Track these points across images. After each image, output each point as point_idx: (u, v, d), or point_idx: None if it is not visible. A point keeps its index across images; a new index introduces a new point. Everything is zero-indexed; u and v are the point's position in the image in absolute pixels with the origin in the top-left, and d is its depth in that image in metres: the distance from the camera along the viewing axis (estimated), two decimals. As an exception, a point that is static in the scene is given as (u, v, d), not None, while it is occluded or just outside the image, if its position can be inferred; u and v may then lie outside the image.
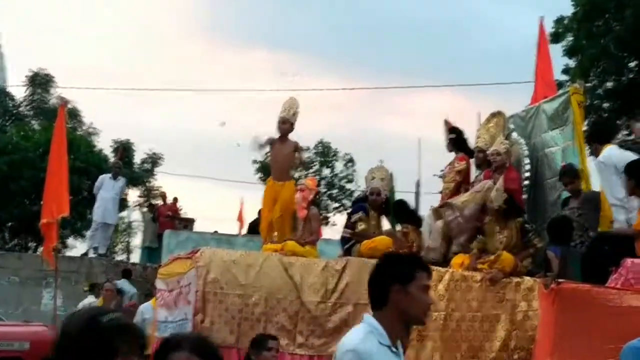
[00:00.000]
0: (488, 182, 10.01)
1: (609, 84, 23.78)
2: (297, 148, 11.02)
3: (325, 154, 39.25)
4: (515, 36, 72.86)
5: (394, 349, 4.08)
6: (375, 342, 4.02)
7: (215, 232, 23.74)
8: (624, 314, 6.44)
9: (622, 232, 8.16)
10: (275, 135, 10.96)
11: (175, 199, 24.62)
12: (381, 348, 4.03)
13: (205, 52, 70.16)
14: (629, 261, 7.45)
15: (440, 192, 11.45)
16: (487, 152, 10.53)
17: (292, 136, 10.98)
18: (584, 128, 10.59)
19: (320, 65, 71.73)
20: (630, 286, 7.16)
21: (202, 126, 67.55)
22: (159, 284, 10.12)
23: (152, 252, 22.50)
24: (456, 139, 11.19)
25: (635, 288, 6.99)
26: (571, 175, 9.64)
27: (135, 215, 38.52)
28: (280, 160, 11.01)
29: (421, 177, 28.07)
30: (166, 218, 23.06)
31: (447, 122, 11.48)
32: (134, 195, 34.74)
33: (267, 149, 11.31)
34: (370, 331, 4.08)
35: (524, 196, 10.42)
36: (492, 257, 9.39)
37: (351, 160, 39.33)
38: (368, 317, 4.19)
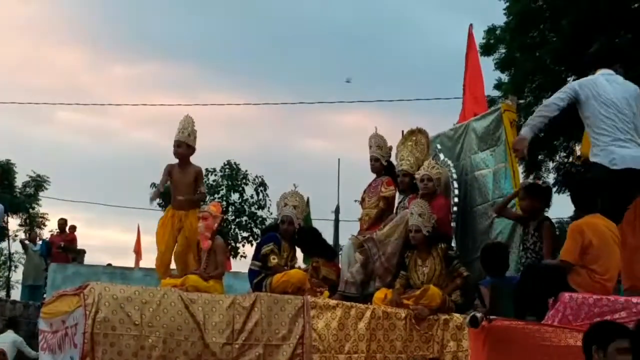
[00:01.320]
0: (408, 212, 10.05)
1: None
2: (197, 176, 11.00)
3: (234, 176, 39.02)
4: (443, 47, 73.94)
5: None
6: None
7: (109, 264, 23.44)
8: (561, 354, 6.50)
9: (551, 264, 8.27)
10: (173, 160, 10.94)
11: (73, 228, 24.01)
12: None
13: (91, 63, 69.22)
14: (566, 295, 7.53)
15: (360, 219, 11.38)
16: (415, 176, 10.54)
17: (195, 158, 10.94)
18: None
19: (226, 78, 71.67)
20: (568, 323, 7.24)
21: (93, 145, 66.62)
22: (42, 324, 9.89)
23: (35, 289, 21.95)
24: (378, 161, 11.17)
25: (574, 325, 7.07)
26: (531, 192, 9.53)
27: (15, 246, 37.76)
28: (180, 189, 10.94)
29: (340, 202, 28.02)
30: (58, 249, 22.50)
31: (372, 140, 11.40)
32: (14, 223, 34.12)
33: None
34: None
35: (453, 224, 10.47)
36: (417, 292, 9.44)
37: (263, 184, 39.16)
38: None
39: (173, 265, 11.03)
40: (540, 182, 11.85)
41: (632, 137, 8.33)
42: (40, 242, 23.51)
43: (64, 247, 22.80)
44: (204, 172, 12.57)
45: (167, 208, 11.17)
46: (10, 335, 16.21)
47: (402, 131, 11.68)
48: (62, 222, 24.03)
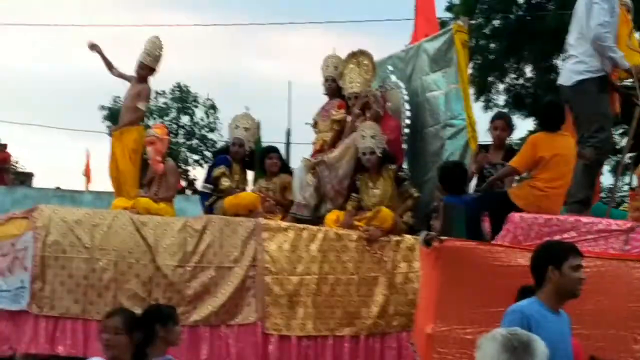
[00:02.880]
0: (358, 135, 10.01)
1: (496, 22, 24.14)
2: (140, 92, 10.86)
3: (184, 99, 38.72)
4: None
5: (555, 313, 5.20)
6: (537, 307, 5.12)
7: (58, 188, 23.24)
8: (512, 273, 6.55)
9: (501, 174, 8.45)
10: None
11: (4, 146, 23.58)
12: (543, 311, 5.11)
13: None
14: (516, 216, 7.62)
15: (313, 143, 11.29)
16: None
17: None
18: (469, 70, 10.70)
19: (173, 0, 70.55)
20: (519, 243, 7.32)
21: (42, 66, 65.53)
22: (-9, 247, 9.80)
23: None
24: (335, 82, 11.06)
25: (524, 245, 7.14)
26: (510, 122, 9.69)
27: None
28: (125, 103, 10.97)
29: (292, 125, 27.95)
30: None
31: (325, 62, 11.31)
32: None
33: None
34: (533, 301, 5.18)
35: (404, 146, 10.46)
36: (369, 214, 9.47)
37: (213, 107, 38.96)
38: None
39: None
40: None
41: (573, 50, 8.48)
42: None
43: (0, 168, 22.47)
44: (152, 93, 12.44)
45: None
46: None
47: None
48: None
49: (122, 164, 10.60)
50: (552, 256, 5.21)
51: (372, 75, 10.71)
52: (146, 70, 10.73)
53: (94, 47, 10.93)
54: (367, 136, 9.77)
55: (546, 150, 8.09)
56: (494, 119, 9.77)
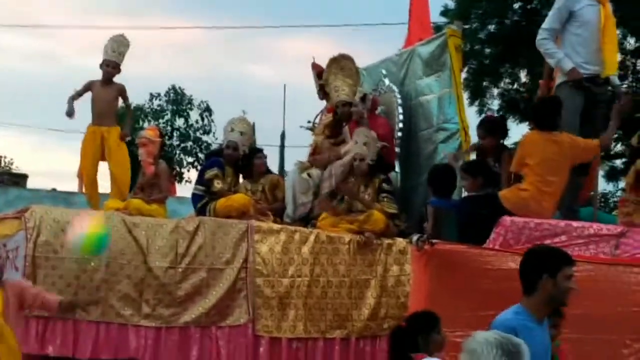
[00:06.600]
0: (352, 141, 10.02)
1: (491, 27, 24.14)
2: (122, 92, 10.97)
3: (179, 101, 38.70)
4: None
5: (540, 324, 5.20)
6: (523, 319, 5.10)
7: (54, 189, 23.23)
8: (503, 277, 6.56)
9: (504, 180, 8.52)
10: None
11: None
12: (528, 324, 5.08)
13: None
14: (507, 219, 7.63)
15: (311, 146, 11.29)
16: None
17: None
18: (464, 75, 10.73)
19: (167, 3, 70.56)
20: (509, 247, 7.33)
21: (37, 69, 65.54)
22: (-18, 247, 9.78)
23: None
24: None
25: (515, 249, 7.15)
26: (489, 129, 9.52)
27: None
28: (101, 105, 10.88)
29: (286, 128, 27.99)
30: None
31: (315, 65, 11.39)
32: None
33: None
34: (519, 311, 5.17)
35: (397, 149, 10.48)
36: (361, 217, 9.46)
37: (208, 109, 38.94)
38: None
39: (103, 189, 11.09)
40: (491, 115, 11.80)
41: None
42: None
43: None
44: (147, 95, 12.58)
45: (87, 127, 11.04)
46: None
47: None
48: None
49: (115, 165, 10.67)
50: (547, 265, 5.17)
51: (356, 80, 10.70)
52: (116, 68, 10.83)
53: (70, 114, 10.98)
54: (359, 142, 9.77)
55: (534, 154, 8.07)
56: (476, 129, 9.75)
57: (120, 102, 11.12)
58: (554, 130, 8.18)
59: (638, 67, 21.54)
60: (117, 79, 10.95)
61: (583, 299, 5.67)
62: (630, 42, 21.65)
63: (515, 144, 11.03)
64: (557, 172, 8.06)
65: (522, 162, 8.17)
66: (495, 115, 10.13)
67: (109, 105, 10.92)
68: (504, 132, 9.74)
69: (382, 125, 10.35)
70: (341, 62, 10.75)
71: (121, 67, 10.88)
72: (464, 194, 9.25)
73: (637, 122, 9.31)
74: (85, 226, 7.75)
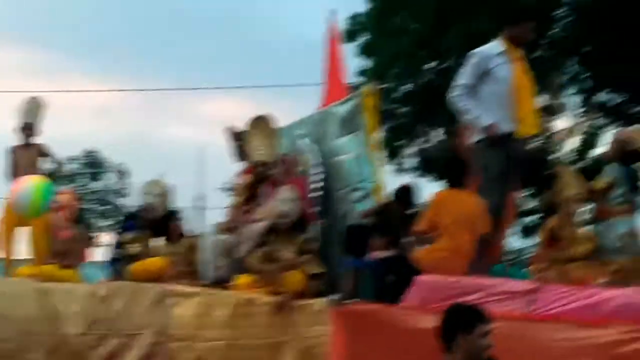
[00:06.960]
0: (274, 200, 10.02)
1: (407, 87, 24.40)
2: (42, 150, 11.01)
3: (96, 165, 38.47)
4: (306, 32, 73.98)
5: None
6: None
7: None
8: (421, 336, 6.54)
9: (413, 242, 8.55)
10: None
11: None
12: None
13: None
14: (423, 278, 7.64)
15: (230, 206, 11.25)
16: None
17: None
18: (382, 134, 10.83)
19: (87, 66, 70.22)
20: (426, 305, 7.32)
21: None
22: None
23: None
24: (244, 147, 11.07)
25: (432, 307, 7.14)
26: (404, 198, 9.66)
27: None
28: (25, 167, 10.80)
29: (205, 189, 27.89)
30: None
31: (228, 130, 11.39)
32: None
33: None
34: None
35: (315, 209, 10.50)
36: (280, 278, 9.40)
37: (124, 172, 38.76)
38: None
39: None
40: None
41: None
42: None
43: None
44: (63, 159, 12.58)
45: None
46: None
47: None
48: None
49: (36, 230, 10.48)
50: (462, 323, 5.22)
51: (275, 139, 10.73)
52: (29, 129, 10.88)
53: None
54: (281, 200, 9.77)
55: (448, 213, 8.14)
56: None
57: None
58: (463, 188, 8.29)
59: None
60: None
61: (499, 355, 5.68)
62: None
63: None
64: (470, 230, 8.13)
65: (434, 222, 8.21)
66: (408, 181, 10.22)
67: (32, 167, 10.85)
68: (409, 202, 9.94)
69: (301, 185, 10.38)
70: (261, 123, 10.79)
71: (38, 130, 10.81)
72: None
73: (548, 179, 9.38)
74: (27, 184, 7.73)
